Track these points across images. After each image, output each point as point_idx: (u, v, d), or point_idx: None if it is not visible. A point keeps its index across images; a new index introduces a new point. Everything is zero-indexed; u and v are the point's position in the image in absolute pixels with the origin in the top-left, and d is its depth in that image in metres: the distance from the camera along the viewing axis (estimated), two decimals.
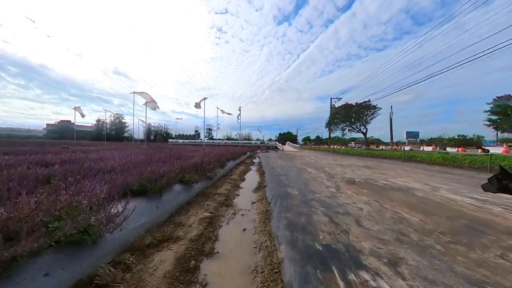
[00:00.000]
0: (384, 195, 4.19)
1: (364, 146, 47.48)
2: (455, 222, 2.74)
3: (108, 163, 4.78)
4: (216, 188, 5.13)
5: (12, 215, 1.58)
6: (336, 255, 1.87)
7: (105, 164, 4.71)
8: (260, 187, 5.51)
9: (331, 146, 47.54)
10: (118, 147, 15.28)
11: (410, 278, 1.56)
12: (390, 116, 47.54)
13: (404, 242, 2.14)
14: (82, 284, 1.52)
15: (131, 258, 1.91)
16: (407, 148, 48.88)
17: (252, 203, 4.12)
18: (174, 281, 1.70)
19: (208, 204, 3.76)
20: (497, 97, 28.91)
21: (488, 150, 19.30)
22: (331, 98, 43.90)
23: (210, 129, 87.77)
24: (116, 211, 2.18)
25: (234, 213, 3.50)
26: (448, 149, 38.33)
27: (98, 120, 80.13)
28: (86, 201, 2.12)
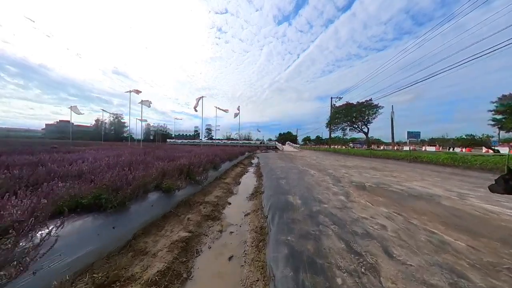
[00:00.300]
0: (405, 205, 3.45)
1: (365, 146, 46.76)
2: None
3: (78, 166, 4.04)
4: (204, 195, 4.39)
5: None
6: None
7: (74, 167, 3.97)
8: (257, 193, 4.78)
9: (332, 146, 46.83)
10: (111, 147, 14.54)
11: None
12: (392, 116, 46.93)
13: None
14: None
15: None
16: (408, 148, 48.41)
17: (245, 215, 3.38)
18: None
19: (189, 218, 3.01)
20: (502, 95, 28.18)
21: (498, 150, 18.56)
22: (331, 98, 43.20)
23: (209, 129, 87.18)
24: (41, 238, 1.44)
25: (220, 231, 2.76)
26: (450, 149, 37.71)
27: (97, 120, 79.82)
28: None
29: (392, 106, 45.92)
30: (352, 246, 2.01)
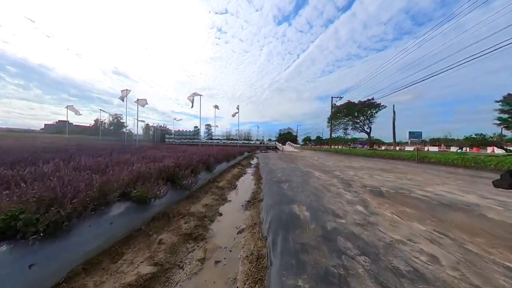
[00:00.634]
0: (443, 219, 2.69)
1: (367, 146, 46.00)
2: None
3: (35, 168, 3.28)
4: (191, 203, 3.63)
5: None
6: None
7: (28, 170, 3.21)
8: (254, 200, 4.02)
9: (333, 147, 46.08)
10: (95, 146, 13.79)
11: None
12: (393, 116, 46.22)
13: None
14: None
15: None
16: (410, 148, 47.53)
17: (239, 232, 2.62)
18: None
19: (161, 240, 2.25)
20: (508, 94, 27.45)
21: (511, 150, 17.77)
22: (332, 97, 42.41)
23: (209, 129, 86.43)
24: None
25: (202, 259, 2.00)
26: (453, 149, 36.89)
27: (96, 120, 79.43)
28: None
29: (394, 105, 45.38)
30: None
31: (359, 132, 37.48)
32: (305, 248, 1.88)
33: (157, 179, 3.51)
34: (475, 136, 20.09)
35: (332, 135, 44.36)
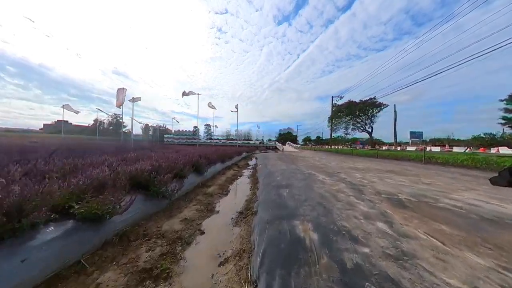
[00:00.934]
0: (500, 244, 1.96)
1: (368, 146, 45.26)
2: None
3: None
4: (167, 217, 2.90)
5: None
6: None
7: None
8: (247, 211, 3.29)
9: (333, 147, 45.31)
10: (83, 145, 13.06)
11: None
12: (394, 116, 45.48)
13: None
14: None
15: None
16: (411, 148, 46.74)
17: (220, 265, 1.89)
18: None
19: (99, 284, 1.52)
20: None
21: None
22: (332, 97, 41.67)
23: (209, 129, 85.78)
24: None
25: None
26: (456, 149, 36.12)
27: (95, 120, 78.96)
28: None
29: (395, 105, 44.67)
30: None
31: (361, 132, 36.76)
32: None
33: (124, 187, 2.77)
34: (483, 136, 19.38)
35: (333, 135, 43.66)
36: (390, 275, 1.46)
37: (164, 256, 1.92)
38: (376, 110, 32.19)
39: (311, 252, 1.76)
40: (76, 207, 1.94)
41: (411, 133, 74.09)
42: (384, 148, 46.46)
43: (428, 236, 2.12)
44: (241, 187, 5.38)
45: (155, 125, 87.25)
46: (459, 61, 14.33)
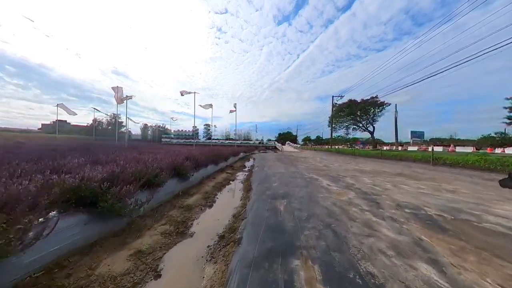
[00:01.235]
0: None
1: (369, 147, 44.42)
2: None
3: None
4: (117, 247, 2.07)
5: None
6: None
7: None
8: (232, 233, 2.46)
9: (334, 147, 44.42)
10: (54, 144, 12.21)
11: None
12: (395, 115, 44.59)
13: None
14: None
15: None
16: (413, 148, 45.86)
17: None
18: None
19: None
20: None
21: None
22: (332, 96, 40.76)
23: (208, 129, 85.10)
24: None
25: None
26: (459, 149, 35.26)
27: (94, 120, 78.35)
28: None
29: (396, 105, 43.79)
30: None
31: (362, 132, 35.90)
32: None
33: (52, 204, 1.94)
34: (494, 135, 18.55)
35: (333, 135, 42.81)
36: None
37: None
38: (378, 110, 31.32)
39: None
40: None
41: (412, 132, 73.40)
42: (385, 148, 45.64)
43: None
44: (230, 196, 4.55)
45: (154, 125, 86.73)
46: (459, 61, 14.22)
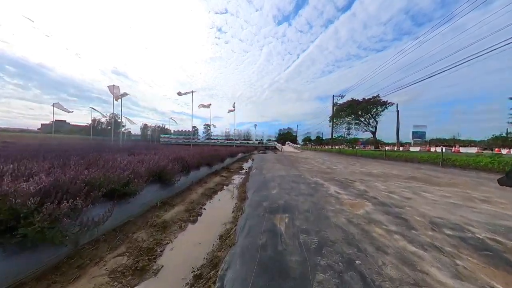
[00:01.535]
0: None
1: (371, 147, 43.71)
2: None
3: None
4: None
5: None
6: None
7: None
8: (213, 269, 1.73)
9: (335, 147, 43.69)
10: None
11: None
12: (397, 115, 43.83)
13: None
14: None
15: None
16: (415, 148, 45.16)
17: None
18: None
19: None
20: None
21: None
22: (333, 96, 40.03)
23: (208, 129, 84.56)
24: None
25: None
26: (463, 150, 34.57)
27: (93, 120, 77.87)
28: None
29: (397, 105, 43.06)
30: None
31: (363, 132, 35.17)
32: None
33: None
34: (506, 135, 17.84)
35: (334, 135, 42.09)
36: None
37: None
38: (380, 109, 30.61)
39: None
40: None
41: (413, 133, 72.65)
42: (386, 148, 44.90)
43: None
44: (220, 207, 3.82)
45: (153, 125, 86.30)
46: (459, 61, 14.07)
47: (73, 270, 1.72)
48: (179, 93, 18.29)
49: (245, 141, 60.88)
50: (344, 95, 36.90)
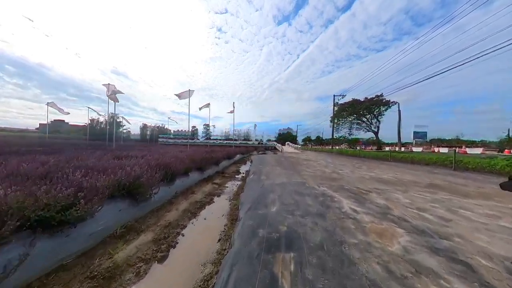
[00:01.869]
0: None
1: (373, 147, 42.91)
2: None
3: None
4: None
5: None
6: None
7: None
8: None
9: (336, 147, 42.82)
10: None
11: None
12: (399, 115, 42.92)
13: None
14: None
15: None
16: (417, 149, 44.32)
17: None
18: None
19: None
20: None
21: None
22: (334, 95, 39.11)
23: (207, 129, 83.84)
24: None
25: None
26: (469, 150, 33.77)
27: (92, 120, 77.17)
28: None
29: (398, 104, 42.13)
30: None
31: (365, 132, 34.31)
32: None
33: None
34: None
35: (335, 135, 41.20)
36: None
37: None
38: (384, 108, 29.77)
39: None
40: None
41: (414, 133, 71.77)
42: (387, 148, 44.00)
43: None
44: (201, 234, 2.96)
45: (153, 125, 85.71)
46: (460, 61, 13.79)
47: None
48: (179, 96, 17.48)
49: (245, 142, 60.10)
50: (345, 95, 36.05)
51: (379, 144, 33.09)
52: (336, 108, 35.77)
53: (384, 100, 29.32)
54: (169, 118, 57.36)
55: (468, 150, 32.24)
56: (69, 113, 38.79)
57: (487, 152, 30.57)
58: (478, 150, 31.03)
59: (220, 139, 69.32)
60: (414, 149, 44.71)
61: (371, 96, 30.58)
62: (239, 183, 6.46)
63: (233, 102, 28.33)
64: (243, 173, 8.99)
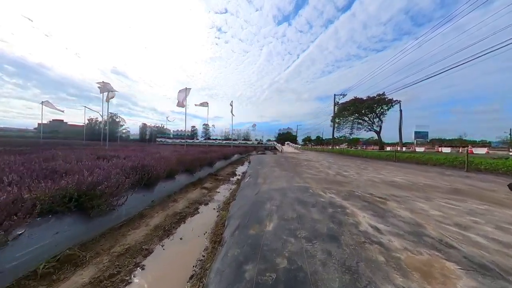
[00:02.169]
0: None
1: (374, 147, 42.12)
2: None
3: None
4: None
5: None
6: None
7: None
8: None
9: (336, 147, 42.05)
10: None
11: None
12: (400, 114, 42.13)
13: None
14: None
15: None
16: (419, 149, 43.56)
17: None
18: None
19: None
20: None
21: None
22: (334, 95, 38.33)
23: (207, 129, 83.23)
24: None
25: None
26: (474, 150, 33.04)
27: (90, 120, 76.25)
28: None
29: (400, 104, 41.35)
30: None
31: (367, 132, 33.55)
32: None
33: None
34: None
35: (335, 135, 40.41)
36: None
37: None
38: (386, 107, 29.02)
39: None
40: None
41: (415, 132, 71.18)
42: (388, 148, 43.22)
43: None
44: (170, 265, 2.18)
45: (153, 125, 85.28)
46: (460, 61, 13.68)
47: None
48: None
49: (244, 142, 59.39)
50: (346, 94, 35.28)
51: (381, 144, 32.32)
52: (336, 108, 35.01)
53: (386, 99, 28.57)
54: (167, 118, 56.47)
55: (474, 150, 31.56)
56: (63, 111, 37.94)
57: (490, 152, 29.90)
58: (482, 150, 30.31)
59: (219, 139, 68.64)
60: (417, 149, 43.97)
61: (373, 95, 29.85)
62: (232, 187, 5.69)
63: (231, 101, 27.57)
64: (239, 175, 8.23)
